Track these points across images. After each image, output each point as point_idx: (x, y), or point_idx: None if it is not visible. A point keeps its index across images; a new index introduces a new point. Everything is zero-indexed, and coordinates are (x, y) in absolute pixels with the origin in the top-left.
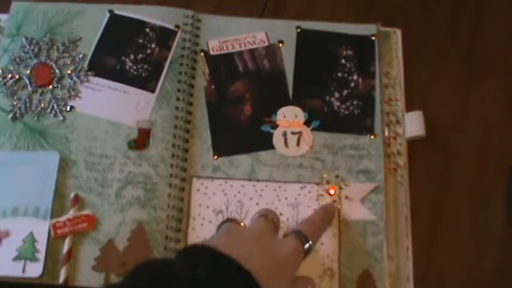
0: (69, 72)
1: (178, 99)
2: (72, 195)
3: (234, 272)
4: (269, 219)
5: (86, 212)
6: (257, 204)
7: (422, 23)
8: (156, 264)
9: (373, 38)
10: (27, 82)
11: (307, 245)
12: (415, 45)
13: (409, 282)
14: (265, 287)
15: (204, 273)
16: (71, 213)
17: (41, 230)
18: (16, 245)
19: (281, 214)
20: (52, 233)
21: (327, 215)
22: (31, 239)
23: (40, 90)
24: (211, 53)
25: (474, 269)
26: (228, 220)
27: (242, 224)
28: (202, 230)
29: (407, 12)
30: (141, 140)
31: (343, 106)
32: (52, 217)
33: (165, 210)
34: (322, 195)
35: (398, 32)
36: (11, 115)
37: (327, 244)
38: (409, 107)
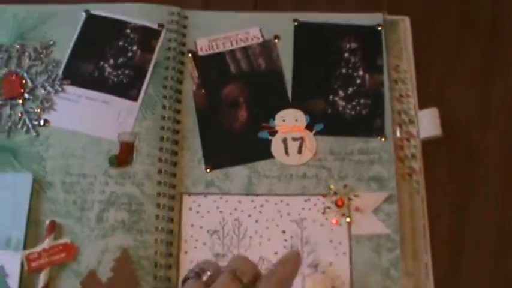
0: (42, 81)
1: (164, 107)
2: (47, 221)
3: None
4: (236, 276)
5: (63, 240)
6: (256, 221)
7: (434, 8)
8: None
9: (379, 28)
10: None
11: None
12: (426, 34)
13: None
14: None
15: None
16: (46, 243)
17: (13, 263)
18: None
19: (284, 232)
20: (25, 267)
21: (291, 271)
22: (1, 274)
23: (10, 103)
24: (200, 53)
25: (505, 284)
26: (191, 278)
27: (207, 276)
28: (196, 253)
29: None
30: (123, 156)
31: (349, 106)
32: (25, 248)
33: (153, 234)
34: (329, 207)
35: (407, 20)
36: None
37: (337, 263)
38: (422, 104)
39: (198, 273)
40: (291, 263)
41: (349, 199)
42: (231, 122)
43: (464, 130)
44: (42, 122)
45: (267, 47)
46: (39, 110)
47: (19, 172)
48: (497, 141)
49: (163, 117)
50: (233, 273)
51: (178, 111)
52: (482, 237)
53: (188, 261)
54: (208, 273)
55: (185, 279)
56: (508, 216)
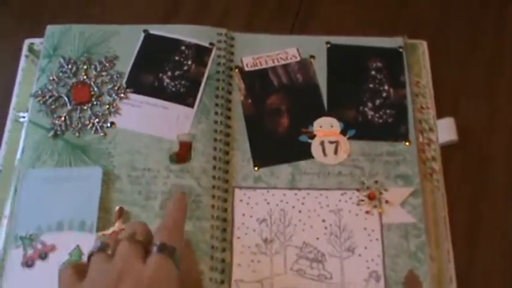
0: (107, 89)
1: (216, 113)
2: (116, 208)
3: None
4: (135, 240)
5: None
6: (300, 211)
7: (446, 34)
8: None
9: (401, 50)
10: (67, 100)
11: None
12: (441, 55)
13: (452, 283)
14: None
15: None
16: (116, 226)
17: (88, 243)
18: (62, 258)
19: (324, 221)
20: None
21: (179, 209)
22: (78, 253)
23: (79, 108)
24: (246, 69)
25: None
26: (96, 252)
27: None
28: (246, 238)
29: (431, 25)
30: (182, 154)
31: (377, 115)
32: (98, 230)
33: (209, 221)
34: (363, 200)
35: (425, 44)
36: (51, 133)
37: (370, 248)
38: (440, 114)
39: (101, 248)
40: (177, 203)
41: (380, 193)
42: (275, 127)
43: (476, 136)
44: (109, 124)
45: (304, 65)
46: (106, 114)
47: (90, 166)
48: (504, 144)
49: (216, 122)
50: (129, 239)
51: (228, 117)
52: (495, 229)
53: (240, 245)
54: (111, 245)
55: (90, 255)
56: None
